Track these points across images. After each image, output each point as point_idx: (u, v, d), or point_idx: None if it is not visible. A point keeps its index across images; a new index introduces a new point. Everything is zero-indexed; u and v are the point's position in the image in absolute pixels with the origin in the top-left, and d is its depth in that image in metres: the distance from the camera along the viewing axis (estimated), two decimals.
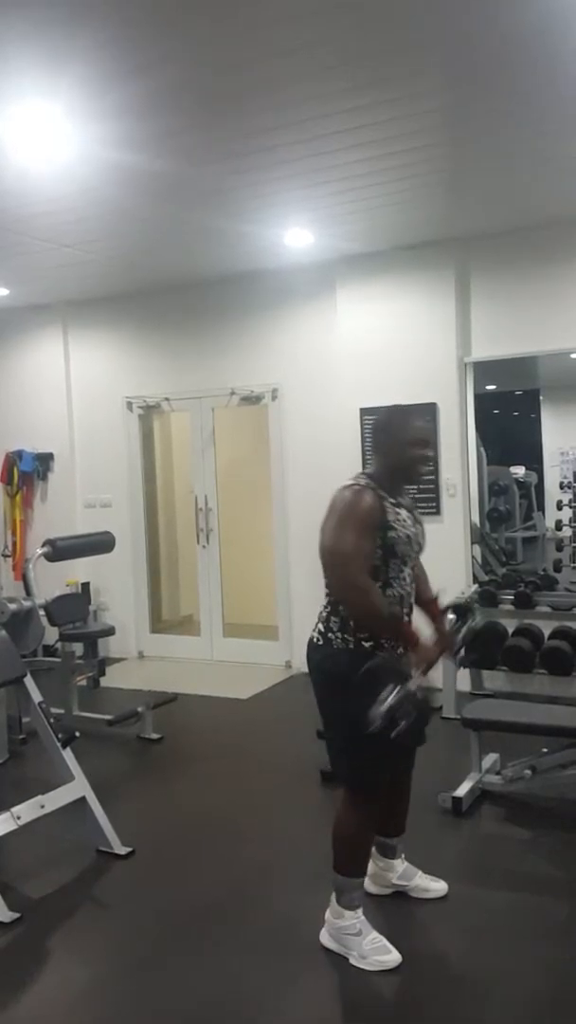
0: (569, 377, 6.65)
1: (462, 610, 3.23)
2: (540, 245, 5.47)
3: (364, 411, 5.94)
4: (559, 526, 6.37)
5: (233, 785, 4.36)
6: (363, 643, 2.71)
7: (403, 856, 3.15)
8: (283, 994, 2.62)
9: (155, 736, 4.99)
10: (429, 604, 3.01)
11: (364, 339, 5.94)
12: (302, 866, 3.37)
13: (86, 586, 7.03)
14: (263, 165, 4.18)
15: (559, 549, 5.97)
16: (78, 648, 5.72)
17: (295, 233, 5.34)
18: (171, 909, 3.13)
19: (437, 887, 3.14)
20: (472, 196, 4.92)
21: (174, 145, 3.89)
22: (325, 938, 2.83)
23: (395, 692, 2.51)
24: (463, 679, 5.45)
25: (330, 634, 2.76)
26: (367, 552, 2.65)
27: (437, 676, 5.43)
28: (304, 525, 6.43)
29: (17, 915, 3.04)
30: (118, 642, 6.85)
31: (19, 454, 7.29)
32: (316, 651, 2.80)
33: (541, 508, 6.55)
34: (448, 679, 5.23)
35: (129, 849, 3.52)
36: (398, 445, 2.79)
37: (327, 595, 2.81)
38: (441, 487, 5.76)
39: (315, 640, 2.81)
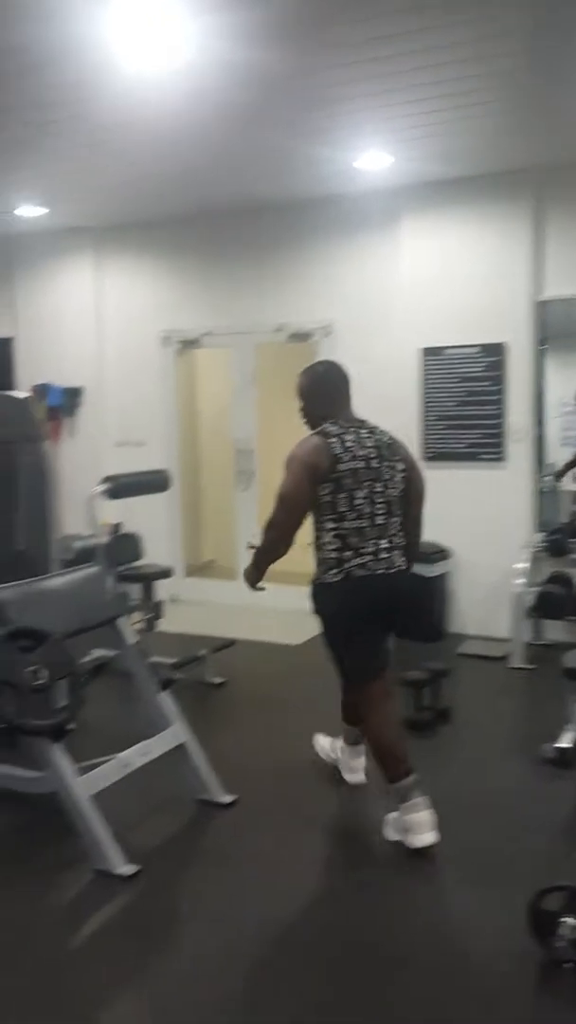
0: None
1: None
2: None
3: (426, 351, 5.70)
4: None
5: (308, 730, 4.20)
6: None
7: None
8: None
9: (217, 681, 4.82)
10: None
11: (429, 274, 5.66)
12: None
13: (118, 527, 6.77)
14: (346, 80, 3.90)
15: None
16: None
17: (370, 156, 5.02)
18: (291, 860, 2.99)
19: None
20: (555, 123, 4.64)
21: (266, 40, 3.54)
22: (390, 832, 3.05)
23: None
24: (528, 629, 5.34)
25: None
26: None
27: (502, 626, 5.32)
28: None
29: (137, 868, 2.85)
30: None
31: (46, 388, 6.95)
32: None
33: None
34: (516, 629, 5.12)
35: (232, 798, 3.36)
36: None
37: None
38: (506, 432, 5.55)
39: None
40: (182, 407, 7.02)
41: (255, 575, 3.42)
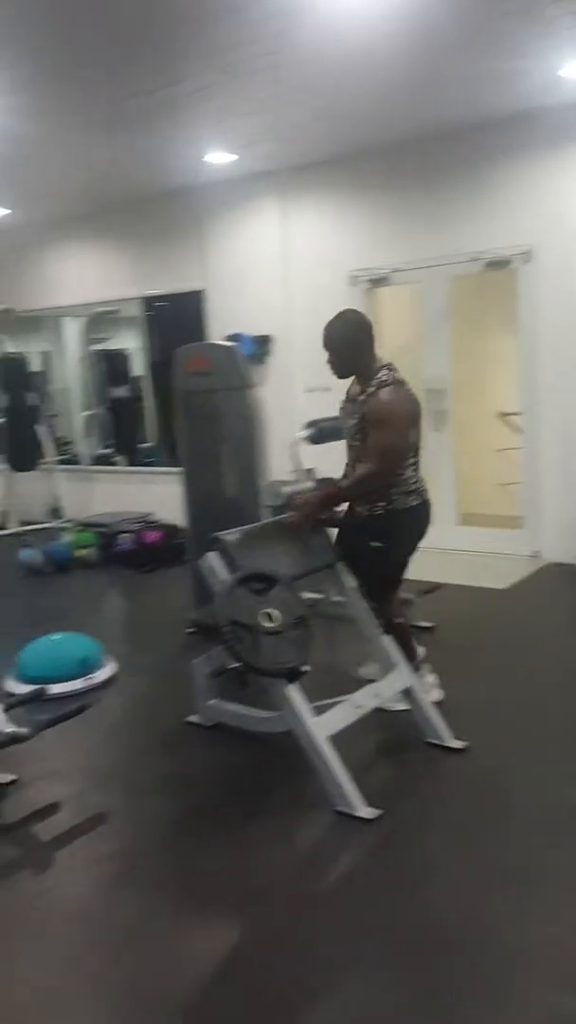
0: None
1: None
2: None
3: None
4: None
5: (525, 674, 4.07)
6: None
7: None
8: None
9: (427, 624, 4.74)
10: None
11: None
12: None
13: (311, 472, 6.78)
14: None
15: None
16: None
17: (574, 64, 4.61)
18: (531, 809, 2.89)
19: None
20: None
21: None
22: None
23: None
24: None
25: None
26: None
27: None
28: (558, 405, 5.86)
29: (379, 812, 2.84)
30: None
31: (237, 338, 7.00)
32: None
33: None
34: None
35: (464, 743, 3.28)
36: None
37: None
38: None
39: None
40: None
41: (318, 512, 3.42)
